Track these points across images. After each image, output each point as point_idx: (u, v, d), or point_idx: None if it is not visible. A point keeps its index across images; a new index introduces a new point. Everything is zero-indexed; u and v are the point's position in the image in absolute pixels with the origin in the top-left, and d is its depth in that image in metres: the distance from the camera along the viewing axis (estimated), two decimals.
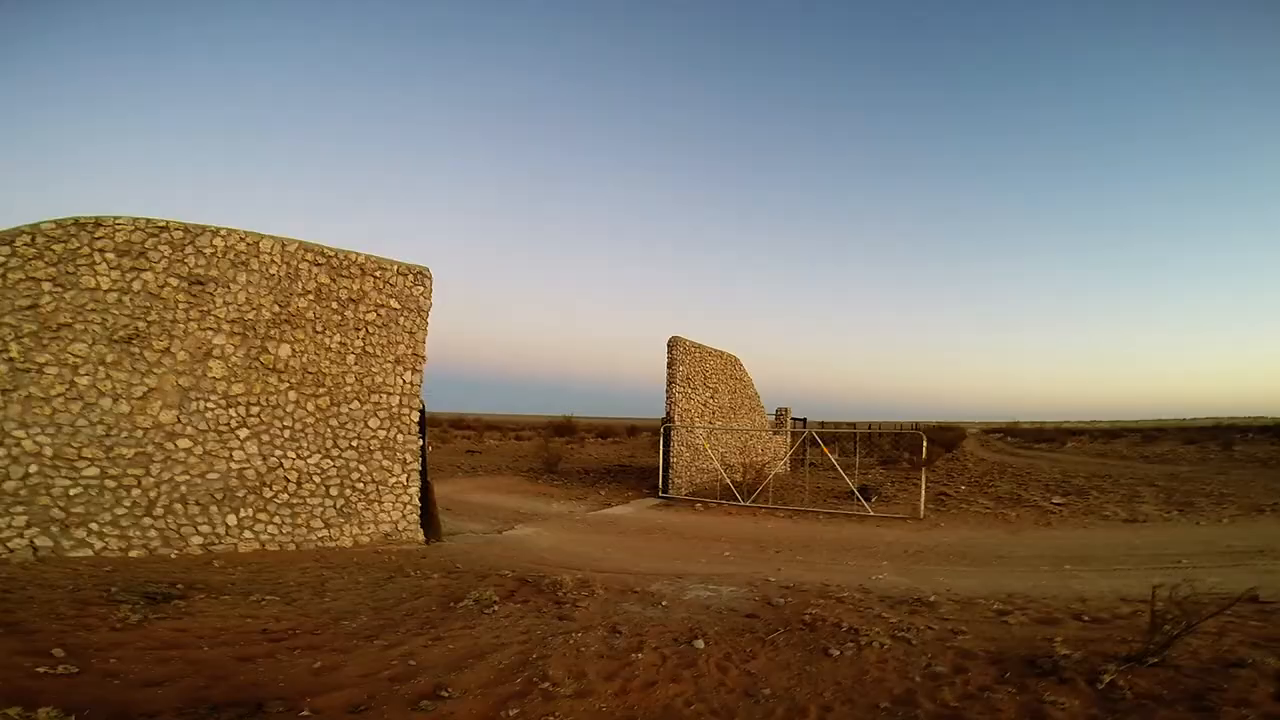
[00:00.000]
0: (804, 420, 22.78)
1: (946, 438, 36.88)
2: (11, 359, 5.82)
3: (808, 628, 4.59)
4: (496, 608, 5.02)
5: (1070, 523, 10.28)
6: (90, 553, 5.97)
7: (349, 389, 7.47)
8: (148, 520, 6.24)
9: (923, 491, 11.32)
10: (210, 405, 6.65)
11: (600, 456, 24.90)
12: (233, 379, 6.79)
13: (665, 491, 13.64)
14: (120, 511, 6.14)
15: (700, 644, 4.27)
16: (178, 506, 6.38)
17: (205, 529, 6.49)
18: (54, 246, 6.05)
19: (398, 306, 7.96)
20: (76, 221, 6.19)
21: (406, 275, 8.08)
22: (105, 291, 6.23)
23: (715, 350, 16.41)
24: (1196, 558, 7.41)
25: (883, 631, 4.42)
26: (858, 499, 11.91)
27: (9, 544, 5.65)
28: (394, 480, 7.67)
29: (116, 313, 6.27)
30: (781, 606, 5.21)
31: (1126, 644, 3.86)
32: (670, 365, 14.28)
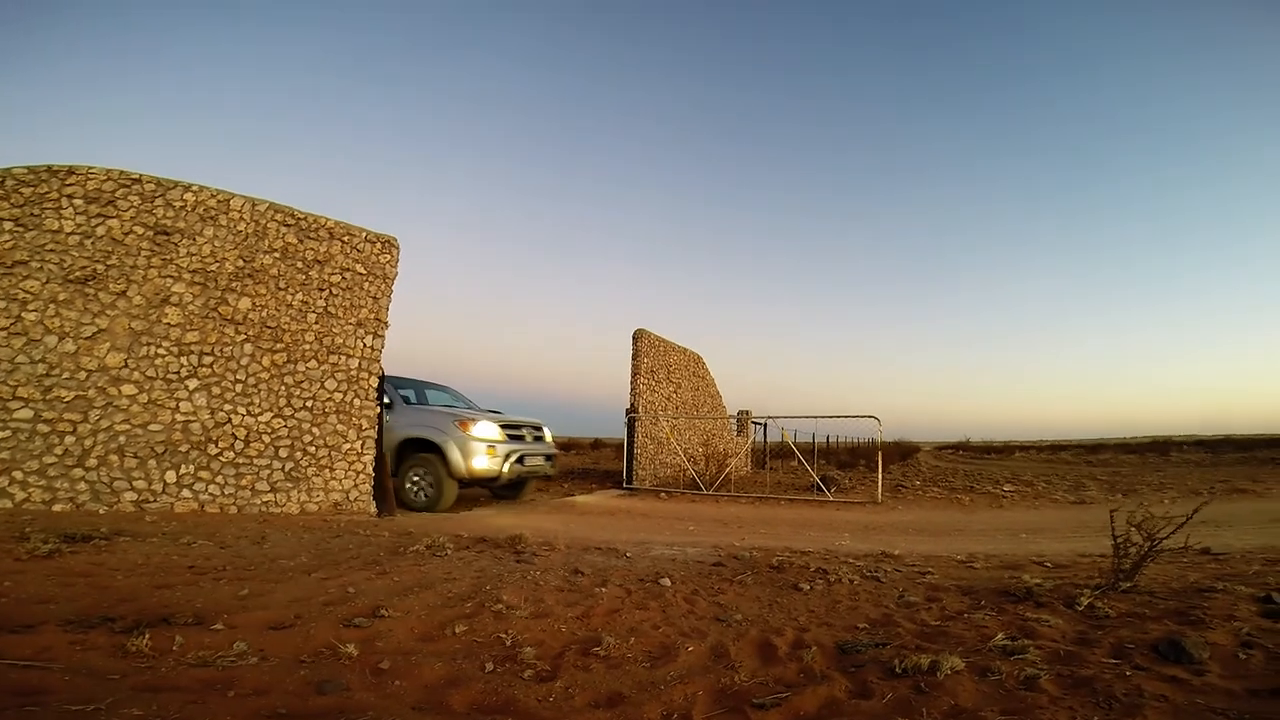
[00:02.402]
0: (765, 424, 22.94)
1: (901, 449, 37.65)
2: None
3: (775, 570, 4.51)
4: (450, 552, 4.80)
5: (1021, 505, 10.51)
6: (9, 504, 5.52)
7: (308, 347, 7.16)
8: (78, 471, 5.81)
9: (879, 478, 11.44)
10: (161, 352, 6.31)
11: (564, 463, 24.50)
12: (188, 326, 6.49)
13: (629, 483, 13.47)
14: (50, 460, 5.71)
15: (666, 582, 4.15)
16: (113, 458, 5.96)
17: (140, 484, 6.07)
18: (22, 189, 5.97)
19: (363, 272, 7.74)
20: (50, 168, 6.12)
21: (374, 243, 7.89)
22: (67, 234, 6.08)
23: (679, 347, 16.40)
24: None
25: (851, 571, 4.38)
26: (818, 489, 11.96)
27: None
28: (348, 446, 7.34)
29: (76, 254, 6.08)
30: (747, 558, 5.12)
31: (1094, 579, 3.90)
32: (635, 357, 14.19)
